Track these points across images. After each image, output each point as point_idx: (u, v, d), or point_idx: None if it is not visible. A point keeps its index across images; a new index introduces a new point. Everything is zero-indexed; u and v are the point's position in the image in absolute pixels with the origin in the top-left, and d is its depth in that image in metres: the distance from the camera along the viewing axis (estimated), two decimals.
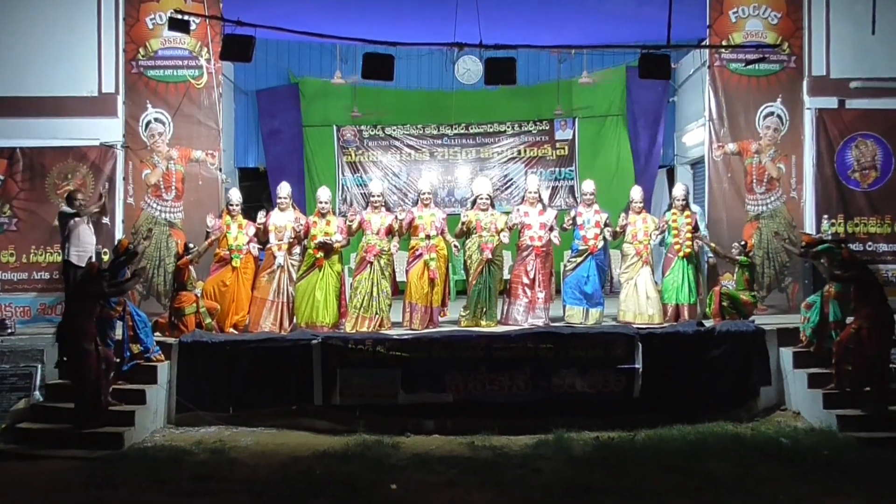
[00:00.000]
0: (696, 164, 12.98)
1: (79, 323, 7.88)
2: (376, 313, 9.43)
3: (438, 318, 9.68)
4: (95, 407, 7.92)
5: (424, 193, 9.75)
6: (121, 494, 6.79)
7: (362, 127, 14.04)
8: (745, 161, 10.56)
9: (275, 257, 9.55)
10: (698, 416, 8.50)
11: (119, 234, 10.00)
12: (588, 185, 10.08)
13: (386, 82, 9.67)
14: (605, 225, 9.86)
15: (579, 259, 9.82)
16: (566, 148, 14.03)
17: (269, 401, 8.68)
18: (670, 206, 10.09)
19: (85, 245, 9.46)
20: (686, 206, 9.97)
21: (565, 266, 10.10)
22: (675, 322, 9.62)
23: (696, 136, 12.51)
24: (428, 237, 9.55)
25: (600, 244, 9.85)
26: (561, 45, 12.07)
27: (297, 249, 9.70)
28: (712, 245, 9.91)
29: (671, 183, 12.48)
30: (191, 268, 9.32)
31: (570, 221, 9.92)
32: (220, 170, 10.45)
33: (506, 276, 10.24)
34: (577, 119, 13.96)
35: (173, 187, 10.34)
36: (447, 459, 7.59)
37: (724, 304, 9.42)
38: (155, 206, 10.31)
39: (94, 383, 7.89)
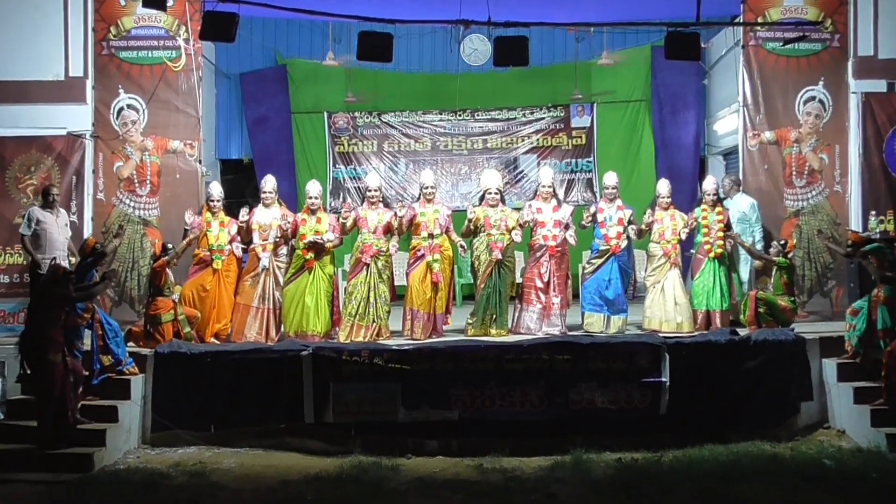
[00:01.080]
0: (729, 154, 12.97)
1: (44, 332, 7.87)
2: (373, 321, 9.43)
3: (442, 327, 9.66)
4: (62, 425, 7.91)
5: (427, 187, 9.74)
6: None
7: (357, 113, 14.04)
8: (783, 151, 10.55)
9: (259, 259, 9.56)
10: (732, 435, 8.48)
11: (88, 233, 10.01)
12: (610, 178, 10.07)
13: (383, 64, 9.67)
14: (629, 222, 9.86)
15: (599, 260, 9.82)
16: (584, 136, 14.02)
17: (254, 418, 8.68)
18: (700, 202, 10.08)
19: (54, 252, 9.42)
20: (717, 202, 9.97)
21: (584, 268, 10.09)
22: (706, 330, 9.62)
23: (728, 124, 12.49)
24: (431, 236, 9.55)
25: (623, 244, 9.84)
26: (578, 23, 12.07)
27: (284, 250, 9.70)
28: (746, 245, 9.90)
29: (701, 175, 12.46)
30: (167, 270, 9.32)
31: (590, 218, 9.91)
32: (200, 162, 10.47)
33: (517, 279, 10.23)
34: (595, 105, 13.94)
35: (148, 181, 10.36)
36: (452, 483, 7.58)
37: (761, 310, 9.41)
38: (128, 201, 10.33)
39: (61, 399, 7.88)
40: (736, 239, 9.87)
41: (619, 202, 9.97)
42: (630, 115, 13.99)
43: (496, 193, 9.76)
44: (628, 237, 9.91)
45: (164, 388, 8.74)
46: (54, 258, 8.94)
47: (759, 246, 10.13)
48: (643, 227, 9.89)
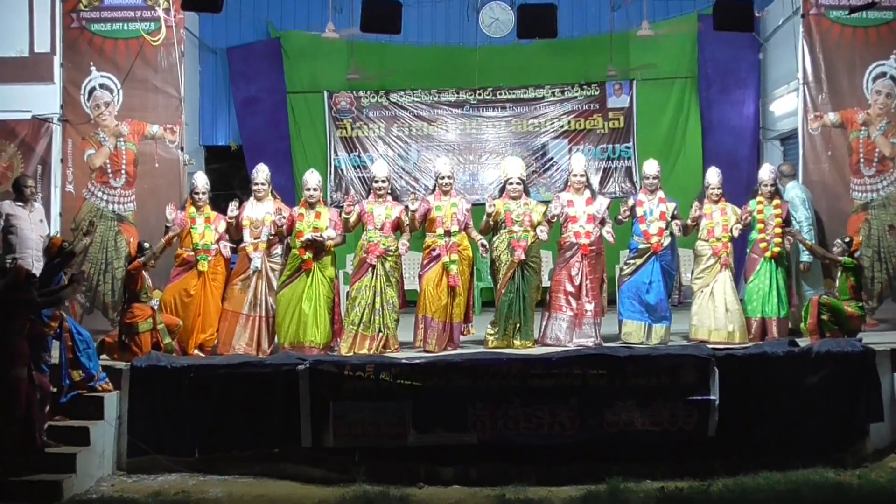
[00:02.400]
0: (787, 139, 12.92)
1: (6, 343, 7.89)
2: (380, 331, 9.45)
3: (460, 338, 9.69)
4: (27, 448, 7.94)
5: (443, 177, 9.75)
6: None
7: (361, 93, 14.07)
8: (849, 135, 10.53)
9: (250, 259, 9.60)
10: (791, 461, 8.44)
11: (55, 230, 10.06)
12: (651, 167, 10.05)
13: (391, 36, 9.70)
14: (673, 217, 9.84)
15: (639, 261, 9.81)
16: (621, 119, 14.01)
17: (244, 442, 8.69)
18: (755, 193, 10.05)
19: (26, 252, 9.47)
20: (775, 193, 9.94)
21: (621, 270, 10.09)
22: (761, 341, 9.59)
23: (786, 104, 12.44)
24: (447, 233, 9.56)
25: (666, 241, 9.82)
26: None
27: (278, 250, 9.74)
28: (807, 243, 9.87)
29: (756, 163, 12.45)
30: (145, 273, 9.34)
31: (627, 212, 9.90)
32: (182, 149, 10.52)
33: (545, 282, 10.22)
34: (635, 82, 13.93)
35: (123, 171, 10.42)
36: None
37: (824, 317, 9.36)
38: (100, 194, 10.39)
39: (26, 419, 7.89)
40: (796, 236, 9.84)
41: (661, 194, 9.94)
42: (674, 95, 13.97)
43: (518, 183, 9.75)
44: (672, 234, 9.89)
45: (141, 406, 8.76)
46: (14, 259, 8.97)
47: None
48: (689, 222, 9.87)
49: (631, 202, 10.01)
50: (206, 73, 13.73)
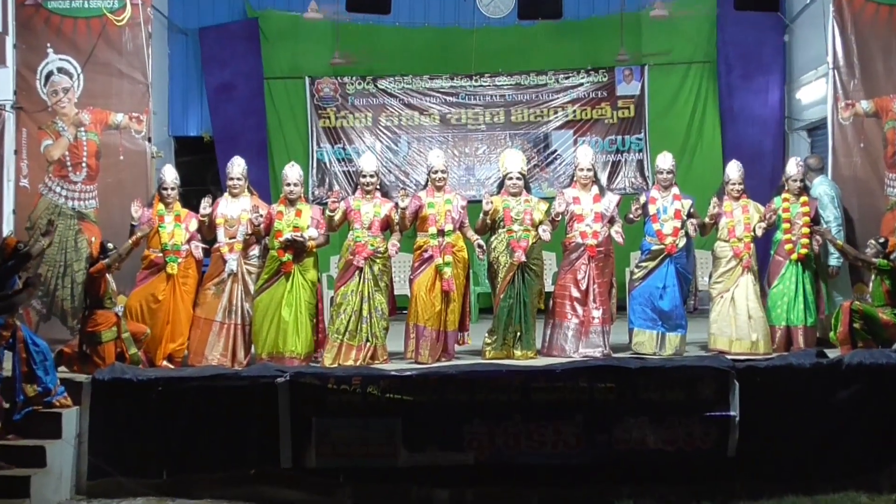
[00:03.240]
0: (815, 129, 12.96)
1: None
2: (367, 340, 9.45)
3: (455, 348, 9.70)
4: None
5: (436, 171, 9.75)
6: None
7: (346, 79, 14.09)
8: (884, 125, 10.54)
9: (225, 261, 9.60)
10: (819, 484, 8.45)
11: (8, 229, 10.04)
12: (664, 160, 10.06)
13: (380, 17, 9.70)
14: (689, 215, 9.85)
15: (652, 263, 9.82)
16: (632, 108, 14.05)
17: (217, 462, 8.66)
18: (780, 189, 10.06)
19: None
20: (803, 189, 9.94)
21: (632, 273, 10.10)
22: (787, 351, 9.61)
23: (814, 92, 12.46)
24: (441, 233, 9.56)
25: (681, 242, 9.83)
26: None
27: (255, 251, 9.73)
28: (838, 243, 9.87)
29: (782, 156, 12.50)
30: (109, 276, 9.32)
31: (639, 210, 9.91)
32: (150, 140, 10.50)
33: (548, 287, 10.22)
34: (647, 67, 13.99)
35: (84, 164, 10.39)
36: None
37: (856, 325, 9.37)
38: (59, 189, 10.37)
39: None
40: (825, 236, 9.82)
41: (676, 190, 9.96)
42: (691, 81, 14.02)
43: (519, 178, 9.76)
44: (688, 234, 9.89)
45: (104, 423, 8.72)
46: None
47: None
48: (707, 220, 9.88)
49: (643, 199, 10.02)
50: (176, 57, 13.73)
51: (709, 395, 8.63)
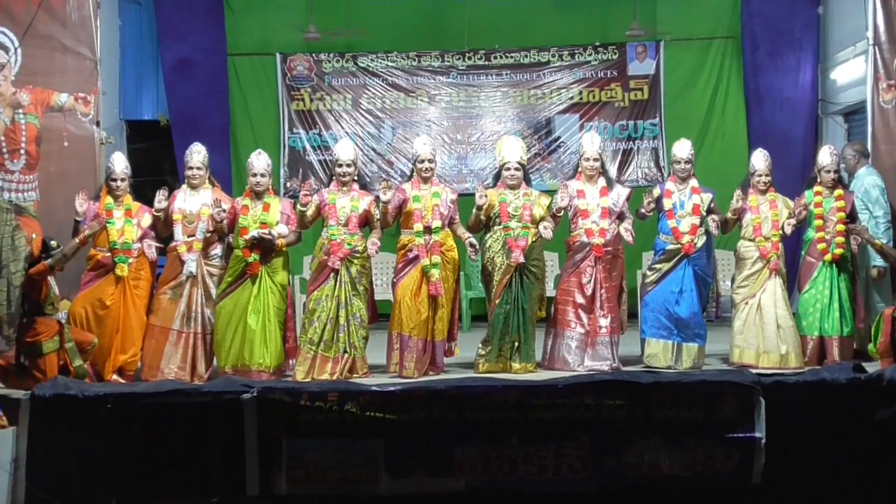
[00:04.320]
0: (853, 114, 13.00)
1: None
2: (344, 351, 9.48)
3: (443, 360, 9.74)
4: None
5: (422, 161, 9.79)
6: None
7: (323, 56, 14.12)
8: None
9: (183, 262, 9.61)
10: None
11: None
12: (682, 149, 10.10)
13: None
14: (709, 211, 9.90)
15: (667, 265, 9.87)
16: (646, 89, 14.10)
17: (175, 490, 8.62)
18: (812, 182, 10.10)
19: None
20: (838, 182, 9.97)
21: (644, 276, 10.15)
22: (819, 365, 9.64)
23: (851, 71, 12.51)
24: (428, 230, 9.60)
25: (701, 241, 9.88)
26: None
27: (217, 250, 9.78)
28: (877, 242, 9.90)
29: (815, 144, 12.54)
30: (51, 279, 9.31)
31: (652, 205, 9.95)
32: (98, 124, 10.53)
33: (550, 292, 10.25)
34: (663, 44, 14.03)
35: (22, 151, 10.41)
36: None
37: None
38: None
39: None
40: (863, 234, 9.85)
41: (694, 182, 10.01)
42: (712, 59, 14.07)
43: (518, 169, 9.80)
44: (708, 232, 9.94)
45: (44, 446, 8.65)
46: None
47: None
48: (730, 216, 9.92)
49: (657, 192, 10.06)
50: (128, 30, 13.70)
51: (731, 414, 8.59)
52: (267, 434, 8.56)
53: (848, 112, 13.28)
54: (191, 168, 9.80)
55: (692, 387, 8.74)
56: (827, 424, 8.67)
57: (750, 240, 9.92)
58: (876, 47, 10.67)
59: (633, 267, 10.88)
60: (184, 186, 9.82)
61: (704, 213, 9.86)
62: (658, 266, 9.91)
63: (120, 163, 9.80)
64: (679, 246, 9.81)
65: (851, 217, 9.92)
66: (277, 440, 8.55)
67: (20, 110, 10.37)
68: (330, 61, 14.14)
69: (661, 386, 8.71)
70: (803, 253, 10.08)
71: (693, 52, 14.07)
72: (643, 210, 9.96)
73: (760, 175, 9.99)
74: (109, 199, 9.66)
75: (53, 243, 9.37)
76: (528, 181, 9.95)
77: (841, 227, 9.82)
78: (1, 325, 10.05)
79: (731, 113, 13.95)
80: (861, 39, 11.33)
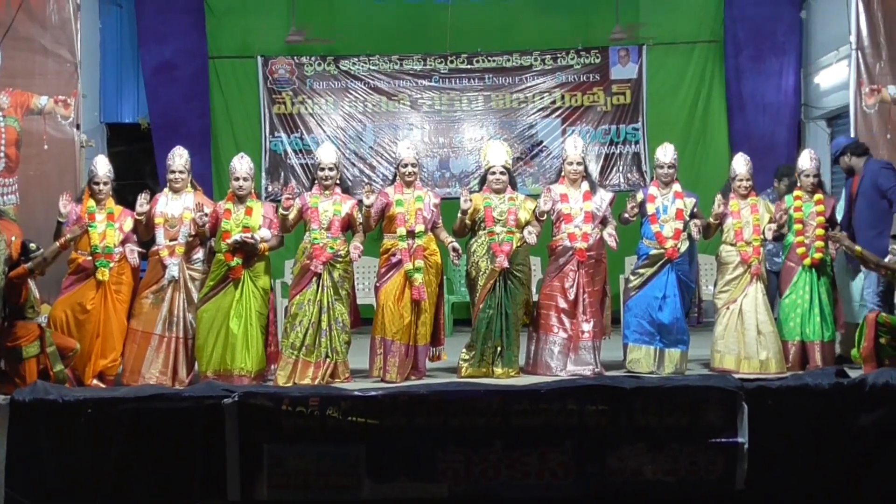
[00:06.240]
0: (836, 118, 13.06)
1: None
2: (326, 356, 9.47)
3: (426, 364, 9.74)
4: None
5: (405, 165, 9.77)
6: None
7: (304, 58, 14.13)
8: None
9: (164, 266, 9.58)
10: None
11: None
12: (665, 153, 10.09)
13: None
14: (693, 216, 9.91)
15: (650, 270, 9.86)
16: (628, 93, 14.13)
17: (155, 495, 8.60)
18: (791, 186, 10.12)
19: None
20: (818, 186, 9.99)
21: (628, 281, 10.15)
22: (802, 370, 9.66)
23: (834, 75, 12.56)
24: (411, 234, 9.59)
25: (684, 246, 9.89)
26: None
27: (199, 254, 9.74)
28: (856, 249, 9.89)
29: (797, 148, 12.57)
30: (31, 282, 9.30)
31: (636, 209, 9.97)
32: (79, 127, 10.49)
33: (533, 296, 10.26)
34: (645, 47, 14.07)
35: (2, 154, 10.35)
36: None
37: (882, 340, 9.41)
38: None
39: None
40: (842, 241, 9.83)
41: (677, 187, 10.01)
42: (695, 63, 14.14)
43: (503, 173, 9.81)
44: (690, 237, 9.96)
45: (23, 451, 8.62)
46: None
47: None
48: (712, 221, 9.93)
49: (640, 197, 10.06)
50: (109, 32, 13.71)
51: (714, 420, 8.62)
52: (248, 439, 8.56)
53: (831, 117, 13.35)
54: (173, 171, 9.76)
55: (675, 392, 8.78)
56: (810, 430, 8.70)
57: (731, 244, 9.91)
58: (859, 52, 10.69)
59: (615, 271, 10.90)
60: (165, 190, 9.78)
61: (687, 218, 9.86)
62: (641, 271, 9.92)
63: (103, 166, 9.76)
64: (662, 251, 9.80)
65: (831, 222, 9.93)
66: (259, 445, 8.55)
67: (0, 113, 10.33)
68: (311, 64, 14.14)
69: (643, 391, 8.74)
70: (783, 257, 10.10)
71: (676, 57, 14.12)
72: (627, 215, 9.98)
73: (741, 179, 9.98)
74: (92, 203, 9.62)
75: (33, 246, 9.36)
76: (513, 185, 9.96)
77: (821, 231, 9.82)
78: None
79: (714, 117, 14.01)
80: (844, 44, 11.36)
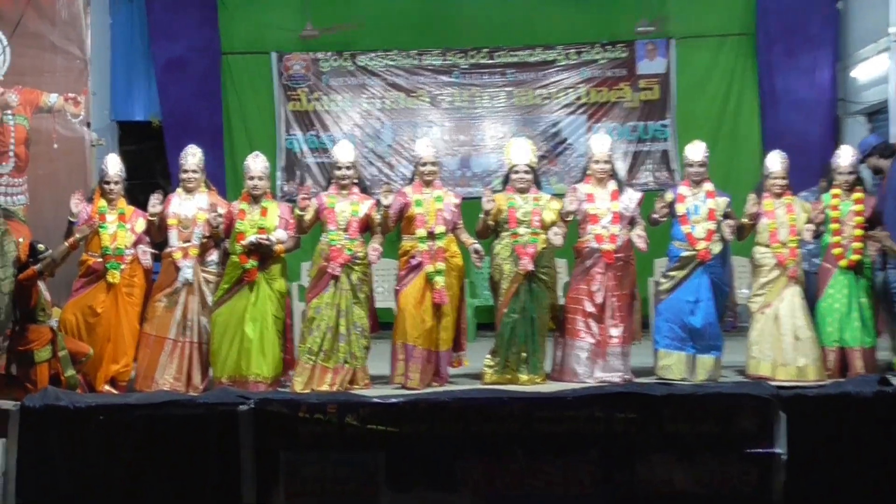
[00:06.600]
0: (876, 113, 12.98)
1: None
2: (345, 362, 9.49)
3: (448, 370, 9.75)
4: None
5: (425, 163, 9.80)
6: None
7: (320, 54, 14.15)
8: None
9: (177, 269, 9.60)
10: None
11: None
12: (695, 151, 10.07)
13: None
14: (725, 216, 9.87)
15: (681, 273, 9.85)
16: (656, 88, 14.13)
17: (169, 503, 8.69)
18: (829, 184, 10.09)
19: None
20: (856, 183, 9.95)
21: (657, 284, 10.15)
22: (842, 378, 9.60)
23: (874, 68, 12.51)
24: (431, 236, 9.60)
25: (716, 248, 9.86)
26: None
27: (213, 256, 9.78)
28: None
29: (835, 145, 12.53)
30: (41, 284, 9.32)
31: (665, 209, 9.95)
32: (89, 125, 10.51)
33: (559, 299, 10.25)
34: (674, 41, 14.03)
35: (11, 153, 10.41)
36: None
37: None
38: None
39: None
40: (883, 241, 9.81)
41: (709, 185, 9.98)
42: (725, 57, 14.11)
43: (527, 172, 9.80)
44: (723, 238, 9.93)
45: (34, 459, 8.63)
46: None
47: None
48: (746, 221, 9.91)
49: (669, 196, 10.04)
50: (119, 28, 13.74)
51: (749, 429, 8.56)
52: (264, 447, 8.55)
53: (871, 111, 13.25)
54: (186, 171, 9.79)
55: (707, 399, 8.71)
56: (851, 440, 8.61)
57: (766, 246, 9.89)
58: None
59: (645, 274, 10.84)
60: (178, 190, 9.80)
61: (720, 218, 9.81)
62: (672, 274, 9.89)
63: (114, 165, 9.80)
64: (694, 253, 9.78)
65: (871, 221, 9.87)
66: (275, 453, 8.55)
67: (9, 111, 10.37)
68: (328, 60, 14.16)
69: (674, 398, 8.68)
70: (819, 259, 10.07)
71: (705, 51, 14.09)
72: (656, 215, 9.94)
73: (776, 178, 9.95)
74: (103, 203, 9.66)
75: (41, 247, 9.38)
76: (538, 185, 9.95)
77: (859, 231, 9.77)
78: None
79: (745, 113, 13.97)
80: (884, 35, 11.33)
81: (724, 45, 14.04)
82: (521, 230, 9.62)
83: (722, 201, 9.88)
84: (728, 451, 8.54)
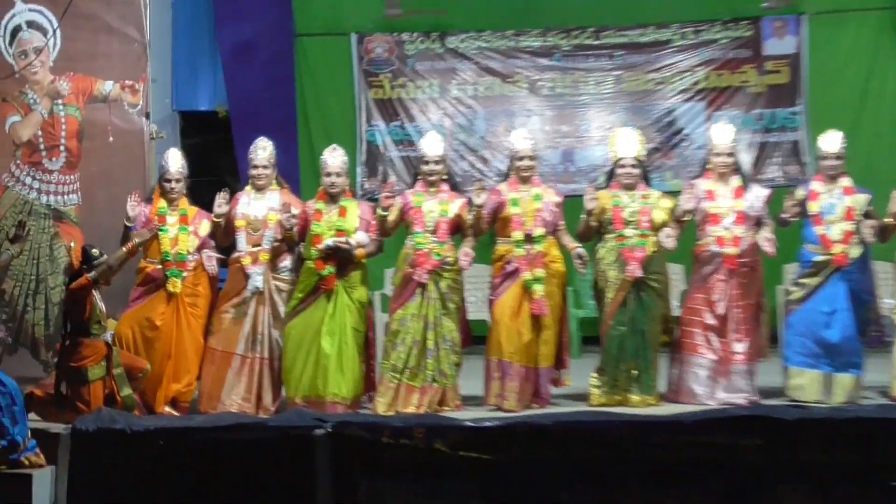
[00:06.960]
0: None
1: None
2: (433, 380, 9.50)
3: (549, 390, 9.73)
4: None
5: (521, 158, 9.80)
6: None
7: (405, 36, 14.20)
8: None
9: (247, 276, 9.67)
10: None
11: None
12: (831, 142, 9.97)
13: None
14: (866, 215, 9.76)
15: (815, 280, 9.76)
16: (785, 71, 13.99)
17: None
18: None
19: None
20: None
21: (788, 293, 10.06)
22: None
23: None
24: (529, 239, 9.59)
25: (855, 252, 9.75)
26: None
27: (287, 262, 9.83)
28: None
29: None
30: (96, 294, 9.40)
31: (796, 208, 9.86)
32: (148, 116, 10.61)
33: (674, 310, 10.20)
34: (806, 17, 13.89)
35: (62, 147, 10.53)
36: None
37: None
38: (29, 180, 10.52)
39: None
40: None
41: (846, 181, 9.88)
42: (866, 35, 13.91)
43: (634, 166, 9.77)
44: (863, 240, 9.82)
45: (86, 487, 8.73)
46: None
47: None
48: (889, 221, 9.77)
49: (801, 194, 9.96)
50: (182, 8, 13.86)
51: (894, 458, 8.55)
52: (342, 475, 8.60)
53: None
54: (255, 167, 9.85)
55: (846, 424, 8.65)
56: None
57: None
58: None
59: (773, 282, 10.75)
60: (247, 188, 9.89)
61: (859, 218, 9.72)
62: (804, 281, 9.80)
63: (175, 160, 9.87)
64: (829, 257, 9.69)
65: None
66: (354, 482, 8.59)
67: (59, 101, 10.49)
68: (413, 42, 14.20)
69: (808, 423, 8.63)
70: None
71: (843, 27, 13.91)
72: (785, 215, 9.84)
73: None
74: (162, 203, 9.75)
75: (95, 252, 9.37)
76: (647, 181, 9.91)
77: None
78: (38, 348, 10.15)
79: (889, 99, 13.78)
80: None
81: (866, 21, 13.86)
82: (628, 232, 9.58)
83: (861, 198, 9.77)
84: (871, 483, 8.45)
